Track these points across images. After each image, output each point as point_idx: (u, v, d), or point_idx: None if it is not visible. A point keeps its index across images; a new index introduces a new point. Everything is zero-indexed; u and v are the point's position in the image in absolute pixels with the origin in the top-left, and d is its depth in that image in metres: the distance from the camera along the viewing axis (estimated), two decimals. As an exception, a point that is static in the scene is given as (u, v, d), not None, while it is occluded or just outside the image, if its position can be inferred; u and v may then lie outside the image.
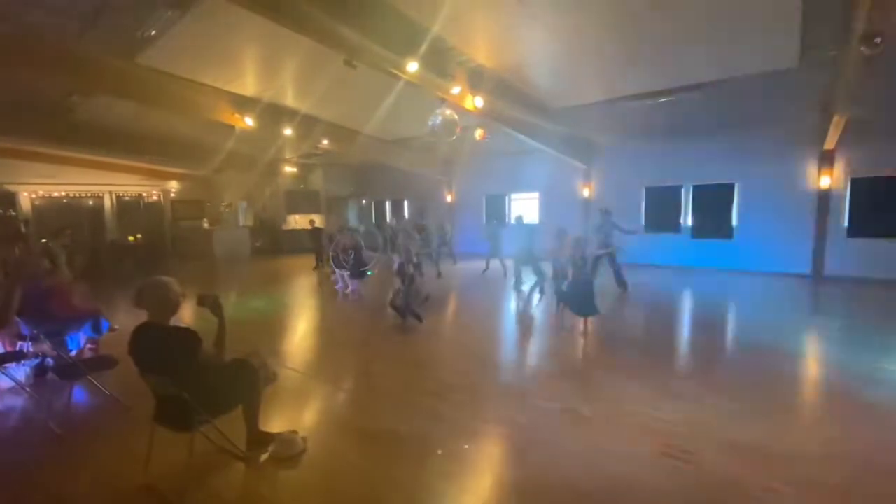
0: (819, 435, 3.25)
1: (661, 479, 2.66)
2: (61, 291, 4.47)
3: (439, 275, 10.11)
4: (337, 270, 8.73)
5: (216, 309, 2.67)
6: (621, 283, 8.12)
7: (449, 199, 15.26)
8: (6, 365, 3.92)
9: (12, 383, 4.02)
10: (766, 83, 7.11)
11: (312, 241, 11.94)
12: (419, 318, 6.02)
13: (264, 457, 2.88)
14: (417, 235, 10.27)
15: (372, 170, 16.54)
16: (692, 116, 9.22)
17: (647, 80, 7.39)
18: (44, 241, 8.41)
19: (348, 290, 8.49)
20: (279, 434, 3.01)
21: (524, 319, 6.78)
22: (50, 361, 4.24)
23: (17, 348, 4.33)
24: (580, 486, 2.61)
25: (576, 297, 5.62)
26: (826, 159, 9.11)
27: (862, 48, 4.58)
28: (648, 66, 6.90)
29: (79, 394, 3.87)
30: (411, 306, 6.04)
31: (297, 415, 3.63)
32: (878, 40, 4.48)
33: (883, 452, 2.93)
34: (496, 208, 14.49)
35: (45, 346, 4.35)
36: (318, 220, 12.89)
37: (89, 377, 3.68)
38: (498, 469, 2.90)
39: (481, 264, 10.81)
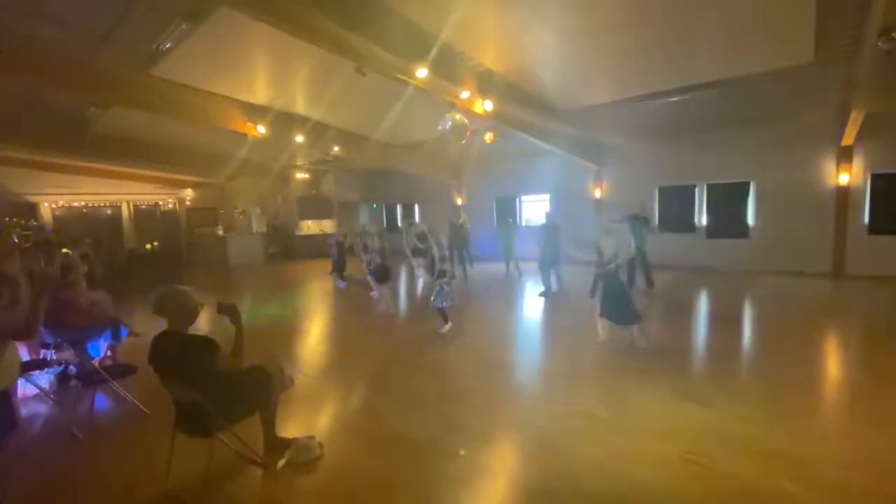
0: (839, 438, 3.18)
1: (678, 483, 2.62)
2: (79, 301, 4.57)
3: (465, 278, 10.04)
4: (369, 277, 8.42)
5: (234, 317, 2.71)
6: (650, 281, 8.21)
7: (459, 201, 15.27)
8: (30, 372, 4.03)
9: (36, 390, 4.13)
10: (780, 79, 6.99)
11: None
12: (444, 318, 5.83)
13: (282, 462, 2.91)
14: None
15: (382, 174, 16.65)
16: (706, 115, 9.10)
17: (659, 79, 7.32)
18: (65, 250, 8.63)
19: (373, 293, 8.36)
20: (296, 439, 3.04)
21: (541, 323, 6.75)
22: (73, 369, 4.33)
23: (41, 356, 4.44)
24: (596, 491, 2.58)
25: (610, 305, 5.14)
26: (844, 155, 8.92)
27: (879, 42, 4.49)
28: (660, 65, 6.83)
29: (101, 400, 3.96)
30: (443, 307, 5.83)
31: (313, 420, 3.66)
32: (895, 34, 4.39)
33: (910, 457, 2.85)
34: (507, 210, 14.46)
35: (68, 354, 4.45)
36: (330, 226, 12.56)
37: (111, 384, 3.76)
38: (513, 473, 2.89)
39: (493, 267, 10.82)
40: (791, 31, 5.65)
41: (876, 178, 8.88)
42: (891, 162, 8.67)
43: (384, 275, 7.74)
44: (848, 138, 8.52)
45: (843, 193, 9.05)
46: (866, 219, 9.02)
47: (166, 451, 2.73)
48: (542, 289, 8.28)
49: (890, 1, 3.96)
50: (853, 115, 7.55)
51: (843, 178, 8.98)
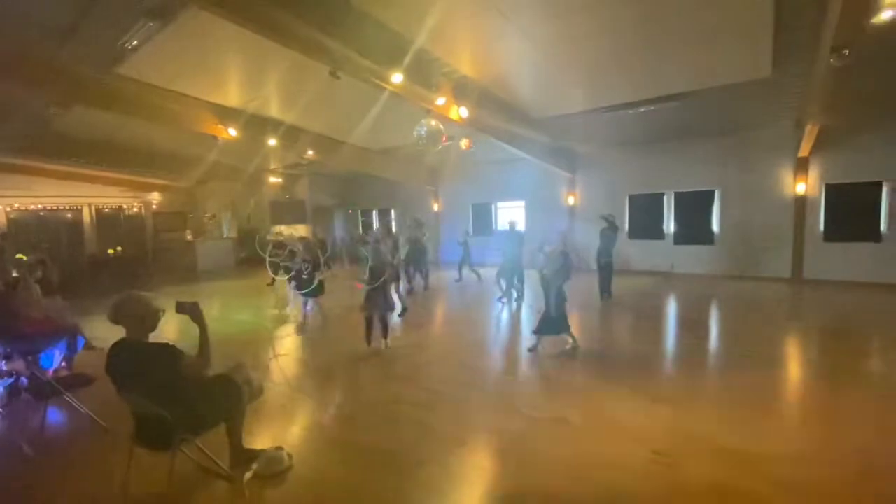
0: (800, 437, 3.31)
1: (648, 485, 2.67)
2: (30, 309, 4.33)
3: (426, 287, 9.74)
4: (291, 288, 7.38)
5: (196, 316, 2.60)
6: (604, 292, 8.18)
7: (436, 207, 15.29)
8: (-23, 385, 3.79)
9: (-17, 404, 3.88)
10: (741, 93, 7.31)
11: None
12: (385, 333, 5.52)
13: (248, 474, 2.81)
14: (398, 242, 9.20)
15: (358, 180, 16.53)
16: (672, 125, 9.44)
17: (628, 90, 7.54)
18: (18, 255, 8.18)
19: (306, 310, 7.21)
20: (264, 451, 2.95)
21: (509, 329, 6.79)
22: (24, 381, 4.09)
23: (-11, 367, 4.18)
24: (568, 494, 2.60)
25: (547, 316, 5.18)
26: (801, 166, 9.39)
27: (831, 59, 4.75)
28: (629, 76, 7.05)
29: (54, 414, 3.75)
30: (384, 318, 5.49)
31: (282, 430, 3.56)
32: (846, 52, 4.65)
33: (861, 453, 2.99)
34: (483, 217, 14.56)
35: (19, 365, 4.21)
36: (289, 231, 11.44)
37: (65, 396, 3.57)
38: (486, 479, 2.88)
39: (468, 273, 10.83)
40: (750, 47, 5.92)
41: (830, 188, 9.36)
42: (843, 173, 9.16)
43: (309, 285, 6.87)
44: (804, 150, 8.98)
45: (801, 202, 9.51)
46: (821, 227, 9.49)
47: (124, 466, 2.60)
48: (500, 294, 8.23)
49: (842, 20, 4.20)
50: (808, 127, 7.97)
51: (801, 188, 9.44)
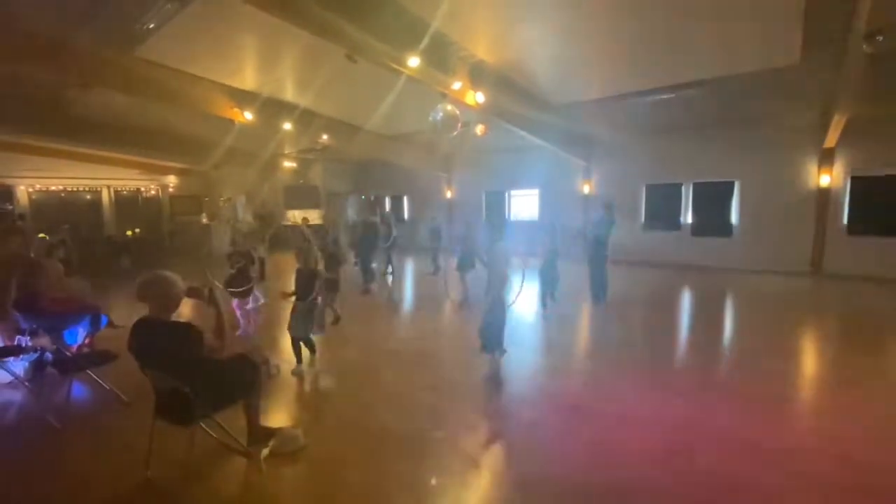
0: (816, 431, 3.26)
1: (664, 476, 2.66)
2: (53, 288, 4.43)
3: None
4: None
5: (211, 299, 2.69)
6: (598, 294, 7.04)
7: (449, 195, 15.24)
8: (4, 359, 3.91)
9: (10, 378, 4.00)
10: (766, 80, 7.09)
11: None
12: (311, 349, 4.44)
13: (265, 452, 2.87)
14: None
15: (372, 165, 16.52)
16: (693, 114, 9.21)
17: (649, 76, 7.37)
18: (41, 235, 8.38)
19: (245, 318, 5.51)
20: (280, 429, 3.01)
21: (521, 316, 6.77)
22: (49, 356, 4.22)
23: (16, 342, 4.31)
24: (583, 483, 2.61)
25: (488, 327, 4.14)
26: (826, 157, 9.11)
27: (864, 46, 4.57)
28: (650, 62, 6.87)
29: (78, 389, 3.86)
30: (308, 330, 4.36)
31: (297, 411, 3.63)
32: (880, 38, 4.47)
33: (878, 448, 2.95)
34: (496, 205, 14.48)
35: (44, 341, 4.33)
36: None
37: (89, 371, 3.67)
38: (498, 465, 2.90)
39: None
40: (778, 33, 5.72)
41: (855, 181, 9.08)
42: (870, 164, 8.87)
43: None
44: (830, 141, 8.70)
45: (824, 194, 9.24)
46: (845, 220, 9.23)
47: (146, 440, 2.68)
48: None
49: (876, 4, 4.03)
50: (836, 118, 7.70)
51: (824, 180, 9.17)
